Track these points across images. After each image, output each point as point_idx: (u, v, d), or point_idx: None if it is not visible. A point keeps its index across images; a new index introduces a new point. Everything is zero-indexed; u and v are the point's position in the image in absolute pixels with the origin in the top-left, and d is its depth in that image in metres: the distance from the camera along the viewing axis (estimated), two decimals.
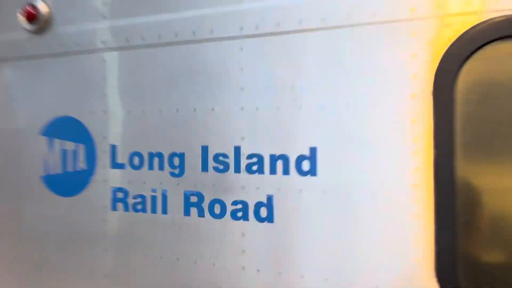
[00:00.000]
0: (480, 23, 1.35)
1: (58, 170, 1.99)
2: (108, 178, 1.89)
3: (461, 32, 1.36)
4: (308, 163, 1.55)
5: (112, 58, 1.89)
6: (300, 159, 1.56)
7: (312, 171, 1.54)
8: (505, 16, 1.33)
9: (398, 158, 1.44)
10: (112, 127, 1.88)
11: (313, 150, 1.55)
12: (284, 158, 1.59)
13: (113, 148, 1.88)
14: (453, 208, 1.37)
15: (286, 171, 1.58)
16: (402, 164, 1.43)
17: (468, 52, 1.36)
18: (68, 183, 1.97)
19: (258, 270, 1.63)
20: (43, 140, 2.02)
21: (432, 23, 1.40)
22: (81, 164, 1.94)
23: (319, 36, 1.53)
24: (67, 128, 1.96)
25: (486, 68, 1.38)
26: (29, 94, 2.07)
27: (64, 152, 1.98)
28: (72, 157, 1.96)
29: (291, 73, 1.57)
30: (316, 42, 1.53)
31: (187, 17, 1.72)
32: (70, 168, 1.96)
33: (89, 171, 1.93)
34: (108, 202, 1.88)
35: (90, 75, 1.92)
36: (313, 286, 1.54)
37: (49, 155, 2.00)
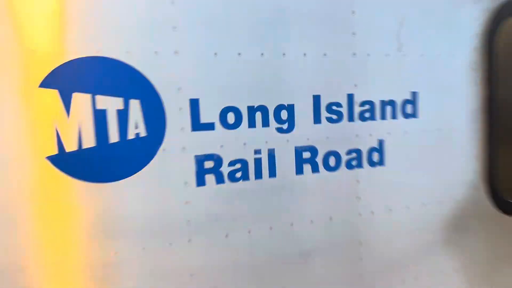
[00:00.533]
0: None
1: (91, 143, 1.28)
2: (188, 144, 1.39)
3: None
4: (411, 107, 1.70)
5: None
6: (404, 103, 1.69)
7: (415, 114, 1.71)
8: None
9: (468, 101, 1.82)
10: (191, 74, 1.38)
11: (415, 95, 1.71)
12: (392, 103, 1.67)
13: (194, 103, 1.38)
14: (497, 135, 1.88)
15: (394, 116, 1.67)
16: (471, 106, 1.82)
17: (502, 19, 1.85)
18: (112, 162, 1.31)
19: (372, 213, 1.67)
20: (54, 93, 1.24)
21: None
22: (137, 130, 1.33)
23: None
24: (104, 76, 1.28)
25: None
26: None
27: (99, 113, 1.29)
28: (117, 120, 1.30)
29: (397, 22, 1.65)
30: None
31: None
32: (116, 138, 1.31)
33: (154, 139, 1.35)
34: (190, 177, 1.40)
35: None
36: (417, 213, 1.75)
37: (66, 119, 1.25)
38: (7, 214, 1.22)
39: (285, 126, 1.52)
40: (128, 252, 1.35)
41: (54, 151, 1.25)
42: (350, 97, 1.60)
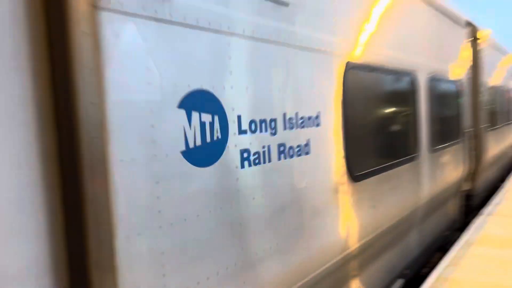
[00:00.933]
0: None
1: (198, 142, 2.08)
2: (237, 143, 2.31)
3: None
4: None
5: (235, 44, 2.31)
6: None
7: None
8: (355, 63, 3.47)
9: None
10: (237, 100, 2.33)
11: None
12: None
13: (239, 118, 2.33)
14: None
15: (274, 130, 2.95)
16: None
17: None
18: (208, 154, 2.13)
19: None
20: (181, 113, 2.00)
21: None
22: (218, 134, 2.19)
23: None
24: (203, 101, 2.12)
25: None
26: (164, 62, 1.92)
27: (203, 125, 2.10)
28: (209, 128, 2.14)
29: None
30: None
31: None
32: (208, 139, 2.14)
33: (224, 139, 2.23)
34: (238, 163, 2.32)
35: (220, 54, 2.22)
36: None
37: (188, 128, 2.03)
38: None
39: (273, 132, 2.60)
40: None
41: (183, 147, 2.01)
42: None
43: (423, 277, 4.53)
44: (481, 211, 6.49)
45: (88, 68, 1.55)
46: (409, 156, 4.62)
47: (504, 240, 5.34)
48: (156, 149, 1.89)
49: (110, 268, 1.64)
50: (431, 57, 5.44)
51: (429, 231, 5.63)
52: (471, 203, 7.54)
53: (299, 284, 2.82)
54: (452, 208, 6.76)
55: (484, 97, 8.18)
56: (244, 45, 2.40)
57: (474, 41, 7.59)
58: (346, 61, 3.37)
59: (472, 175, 7.50)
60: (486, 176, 8.68)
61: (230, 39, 2.28)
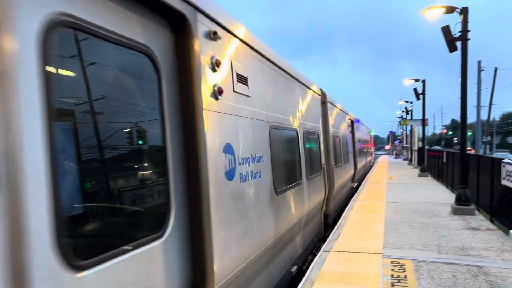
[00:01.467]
0: None
1: (228, 168, 3.73)
2: (239, 169, 3.92)
3: None
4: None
5: (239, 122, 4.09)
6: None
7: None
8: None
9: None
10: (238, 148, 4.04)
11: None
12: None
13: (239, 157, 3.99)
14: None
15: None
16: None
17: None
18: (231, 174, 3.84)
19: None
20: (223, 154, 3.61)
21: None
22: (233, 164, 3.78)
23: None
24: (229, 148, 3.84)
25: None
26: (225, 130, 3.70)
27: (229, 160, 3.69)
28: (231, 161, 3.76)
29: None
30: None
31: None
32: (231, 167, 3.77)
33: (235, 167, 3.87)
34: (239, 179, 3.89)
35: (235, 127, 4.07)
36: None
37: (226, 163, 3.70)
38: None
39: (249, 164, 4.22)
40: None
41: (224, 171, 3.53)
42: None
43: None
44: (323, 246, 8.44)
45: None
46: (297, 182, 6.96)
47: (342, 276, 6.22)
48: (220, 171, 3.51)
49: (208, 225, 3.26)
50: (304, 118, 8.10)
51: (307, 235, 8.14)
52: (327, 221, 10.63)
53: (262, 249, 4.69)
54: (319, 221, 9.54)
55: (331, 142, 11.54)
56: (241, 122, 4.23)
57: (324, 103, 10.99)
58: (271, 124, 5.29)
59: (327, 200, 10.34)
60: (336, 200, 12.11)
61: (237, 119, 4.11)
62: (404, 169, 30.74)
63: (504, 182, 8.93)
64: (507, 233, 8.39)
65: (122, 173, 2.72)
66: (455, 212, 11.49)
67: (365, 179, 21.85)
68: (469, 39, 11.59)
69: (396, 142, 70.18)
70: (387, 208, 12.51)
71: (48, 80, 1.99)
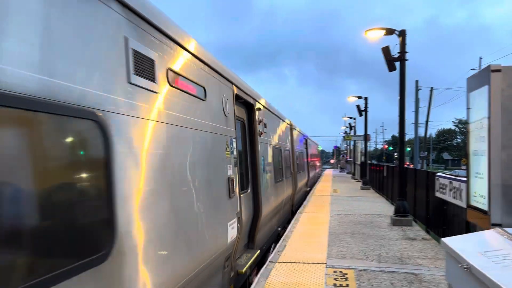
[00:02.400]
0: None
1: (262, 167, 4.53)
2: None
3: None
4: None
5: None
6: None
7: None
8: None
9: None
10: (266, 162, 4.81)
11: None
12: None
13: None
14: None
15: None
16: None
17: None
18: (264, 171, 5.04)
19: None
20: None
21: None
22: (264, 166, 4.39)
23: None
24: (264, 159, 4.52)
25: None
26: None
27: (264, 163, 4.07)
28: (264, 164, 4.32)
29: None
30: None
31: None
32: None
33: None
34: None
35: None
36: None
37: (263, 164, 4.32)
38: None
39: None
40: None
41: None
42: None
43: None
44: (269, 258, 8.62)
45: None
46: (281, 179, 12.06)
47: (287, 286, 6.29)
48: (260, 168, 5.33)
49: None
50: (284, 141, 13.29)
51: (285, 212, 13.41)
52: (293, 209, 15.95)
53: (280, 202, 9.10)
54: (289, 208, 14.88)
55: (295, 156, 16.71)
56: (268, 147, 6.81)
57: (291, 130, 16.26)
58: (277, 146, 7.76)
59: (293, 194, 15.58)
60: (298, 196, 17.75)
61: (267, 146, 6.34)
62: (347, 182, 31.78)
63: (437, 194, 9.53)
64: (440, 242, 8.92)
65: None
66: (394, 223, 12.06)
67: (311, 192, 22.38)
68: (407, 60, 12.36)
69: (342, 156, 72.59)
70: (331, 219, 12.89)
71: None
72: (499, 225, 5.04)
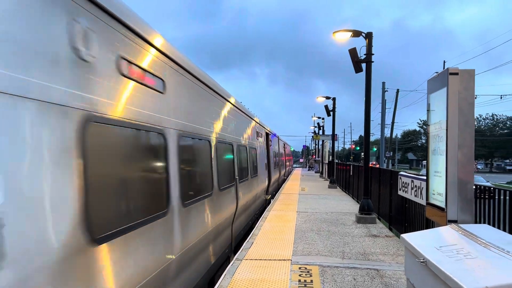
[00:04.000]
0: None
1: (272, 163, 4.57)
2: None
3: None
4: None
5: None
6: None
7: None
8: None
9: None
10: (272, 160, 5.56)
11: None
12: None
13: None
14: None
15: None
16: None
17: None
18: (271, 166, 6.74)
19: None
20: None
21: None
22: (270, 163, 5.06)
23: None
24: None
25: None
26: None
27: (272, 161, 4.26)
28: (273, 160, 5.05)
29: None
30: None
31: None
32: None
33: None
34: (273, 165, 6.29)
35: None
36: None
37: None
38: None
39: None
40: None
41: None
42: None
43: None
44: (236, 256, 8.66)
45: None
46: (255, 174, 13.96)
47: (253, 283, 6.35)
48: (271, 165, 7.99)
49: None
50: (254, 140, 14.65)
51: (259, 201, 15.62)
52: (268, 198, 18.68)
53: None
54: (263, 198, 17.35)
55: (271, 156, 20.69)
56: (271, 152, 9.17)
57: (267, 136, 19.49)
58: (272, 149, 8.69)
59: (268, 185, 18.90)
60: (272, 188, 21.40)
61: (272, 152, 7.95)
62: (315, 181, 32.21)
63: (400, 192, 9.83)
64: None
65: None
66: (358, 220, 12.35)
67: (279, 191, 22.57)
68: (373, 62, 12.66)
69: (310, 155, 73.61)
70: (298, 217, 13.06)
71: None
72: (455, 221, 5.27)
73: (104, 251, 3.14)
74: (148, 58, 4.18)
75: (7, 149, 2.26)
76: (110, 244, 3.25)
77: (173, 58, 4.96)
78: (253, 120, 14.11)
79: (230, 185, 8.97)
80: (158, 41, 4.48)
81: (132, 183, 3.83)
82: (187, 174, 5.56)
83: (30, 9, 2.46)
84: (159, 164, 4.52)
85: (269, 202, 18.14)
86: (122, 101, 3.56)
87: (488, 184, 10.03)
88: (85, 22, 2.97)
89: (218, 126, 7.88)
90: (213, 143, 7.25)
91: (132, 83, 3.75)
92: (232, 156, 9.60)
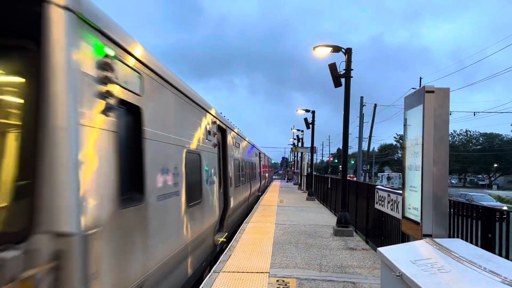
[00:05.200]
0: None
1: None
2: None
3: None
4: None
5: None
6: None
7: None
8: None
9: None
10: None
11: None
12: None
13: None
14: None
15: None
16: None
17: None
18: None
19: None
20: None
21: None
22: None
23: None
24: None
25: None
26: None
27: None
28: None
29: None
30: None
31: None
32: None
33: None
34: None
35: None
36: None
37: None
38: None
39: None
40: None
41: None
42: None
43: None
44: (214, 268, 8.58)
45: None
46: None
47: None
48: None
49: None
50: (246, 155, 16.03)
51: (254, 198, 23.12)
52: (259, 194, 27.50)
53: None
54: (257, 195, 26.17)
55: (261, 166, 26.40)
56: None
57: (259, 154, 25.49)
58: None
59: (260, 187, 26.63)
60: (262, 188, 31.59)
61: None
62: (294, 193, 32.36)
63: (377, 206, 9.99)
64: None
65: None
66: (336, 233, 12.45)
67: (258, 202, 22.57)
68: (351, 77, 12.91)
69: (289, 167, 74.06)
70: (276, 229, 13.08)
71: None
72: (429, 235, 5.40)
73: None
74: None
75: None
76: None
77: None
78: (257, 149, 14.77)
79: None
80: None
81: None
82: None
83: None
84: None
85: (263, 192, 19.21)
86: None
87: (498, 204, 10.23)
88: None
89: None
90: None
91: None
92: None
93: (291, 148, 59.39)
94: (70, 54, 2.93)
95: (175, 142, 5.81)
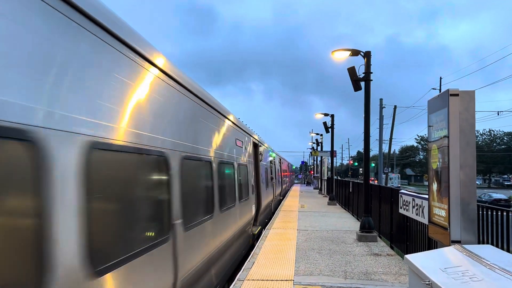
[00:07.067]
0: None
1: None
2: None
3: None
4: None
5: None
6: None
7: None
8: None
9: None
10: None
11: None
12: None
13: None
14: None
15: None
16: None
17: None
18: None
19: None
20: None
21: None
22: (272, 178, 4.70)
23: None
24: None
25: None
26: None
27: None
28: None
29: None
30: None
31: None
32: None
33: None
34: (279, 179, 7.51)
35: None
36: None
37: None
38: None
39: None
40: None
41: None
42: None
43: None
44: (238, 275, 8.58)
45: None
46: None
47: None
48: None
49: None
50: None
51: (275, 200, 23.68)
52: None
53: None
54: (278, 199, 26.96)
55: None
56: (274, 167, 9.47)
57: (279, 159, 26.89)
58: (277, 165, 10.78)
59: (281, 191, 28.95)
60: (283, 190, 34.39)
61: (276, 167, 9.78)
62: (314, 197, 32.15)
63: (401, 211, 9.83)
64: (403, 258, 9.18)
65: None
66: (359, 239, 12.30)
67: (279, 208, 22.50)
68: (371, 80, 12.79)
69: (308, 171, 73.74)
70: (298, 235, 13.00)
71: None
72: (458, 241, 5.28)
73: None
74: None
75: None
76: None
77: None
78: (278, 156, 16.72)
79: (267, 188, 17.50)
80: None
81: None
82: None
83: None
84: None
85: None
86: None
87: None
88: None
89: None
90: None
91: None
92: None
93: (310, 152, 59.15)
94: None
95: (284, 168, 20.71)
